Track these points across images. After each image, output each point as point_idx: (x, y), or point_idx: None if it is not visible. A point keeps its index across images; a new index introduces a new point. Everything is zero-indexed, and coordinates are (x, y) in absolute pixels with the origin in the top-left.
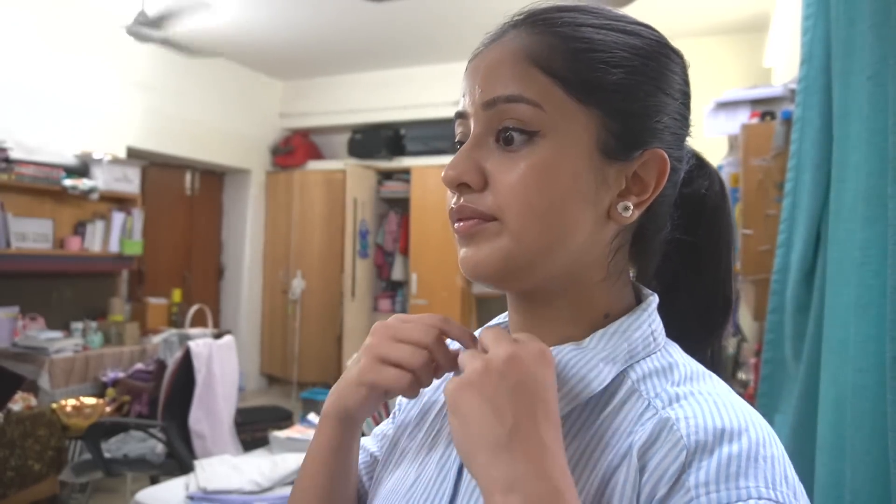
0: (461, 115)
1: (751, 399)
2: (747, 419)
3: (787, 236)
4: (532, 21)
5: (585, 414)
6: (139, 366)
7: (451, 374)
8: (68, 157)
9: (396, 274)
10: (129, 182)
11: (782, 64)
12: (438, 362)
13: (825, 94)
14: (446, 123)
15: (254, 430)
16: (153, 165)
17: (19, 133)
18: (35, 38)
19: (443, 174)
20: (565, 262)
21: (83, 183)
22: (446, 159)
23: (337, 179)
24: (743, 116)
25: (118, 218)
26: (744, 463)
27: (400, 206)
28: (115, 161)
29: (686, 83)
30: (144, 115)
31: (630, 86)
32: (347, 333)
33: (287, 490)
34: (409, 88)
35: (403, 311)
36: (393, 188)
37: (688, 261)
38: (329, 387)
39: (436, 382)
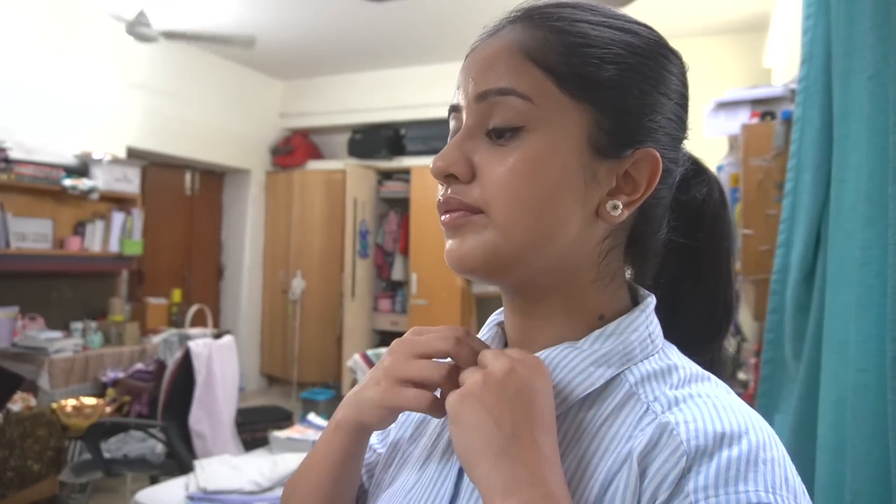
0: (455, 109)
1: (751, 399)
2: (747, 422)
3: (788, 236)
4: (529, 16)
5: (581, 415)
6: (139, 366)
7: None
8: (68, 157)
9: (396, 274)
10: (129, 182)
11: (782, 64)
12: (464, 366)
13: (825, 94)
14: (446, 123)
15: (254, 430)
16: (153, 165)
17: (19, 133)
18: (35, 39)
19: (431, 165)
20: (552, 258)
21: (83, 183)
22: None
23: (337, 179)
24: (743, 116)
25: (118, 218)
26: (743, 467)
27: (400, 206)
28: (115, 161)
29: (684, 85)
30: (144, 115)
31: (624, 83)
32: (347, 333)
33: None
34: (408, 88)
35: (403, 311)
36: (393, 188)
37: (688, 268)
38: (329, 387)
39: None
